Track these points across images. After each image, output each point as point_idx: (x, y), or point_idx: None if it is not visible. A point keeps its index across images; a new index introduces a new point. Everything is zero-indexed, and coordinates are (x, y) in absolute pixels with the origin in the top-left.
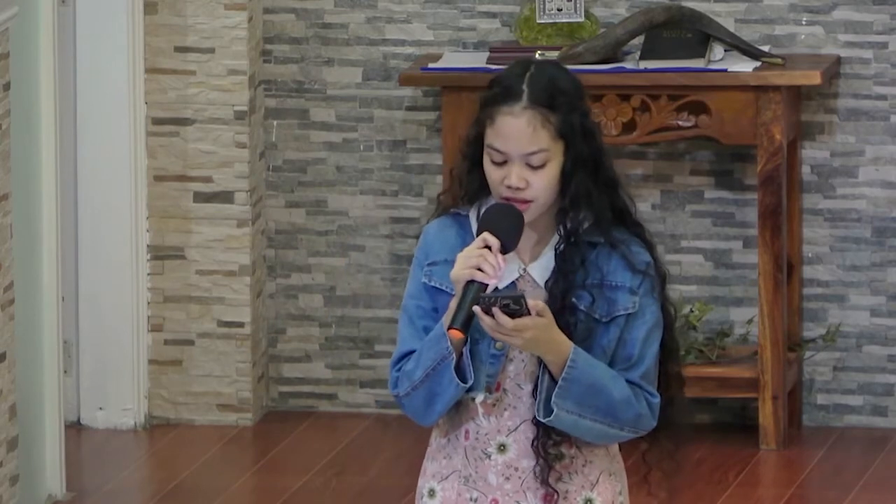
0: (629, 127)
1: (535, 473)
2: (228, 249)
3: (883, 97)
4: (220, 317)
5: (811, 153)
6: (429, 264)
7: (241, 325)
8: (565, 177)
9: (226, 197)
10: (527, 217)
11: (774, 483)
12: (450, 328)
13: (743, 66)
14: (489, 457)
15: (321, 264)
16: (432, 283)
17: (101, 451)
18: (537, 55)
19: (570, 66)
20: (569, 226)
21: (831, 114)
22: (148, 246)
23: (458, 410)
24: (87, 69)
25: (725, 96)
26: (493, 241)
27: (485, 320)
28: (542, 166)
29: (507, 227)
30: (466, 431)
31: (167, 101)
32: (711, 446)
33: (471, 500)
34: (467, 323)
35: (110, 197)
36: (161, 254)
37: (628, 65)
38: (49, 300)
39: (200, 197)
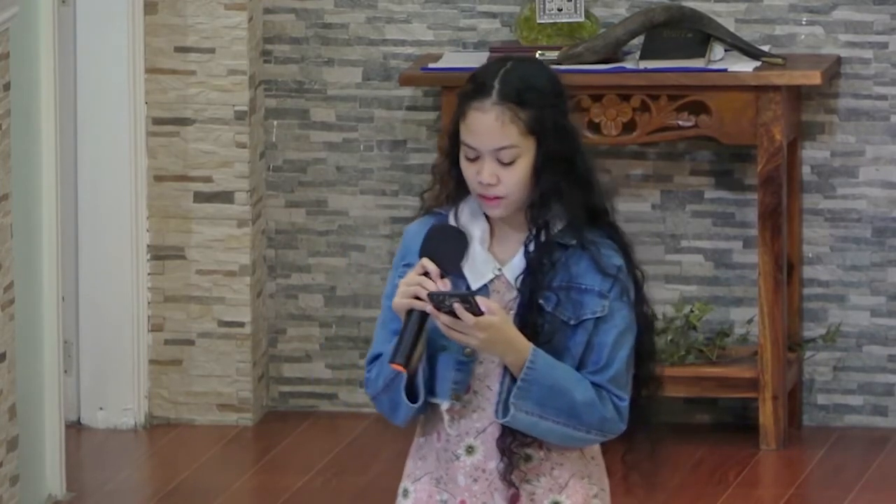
0: (629, 127)
1: (498, 472)
2: (228, 249)
3: (883, 97)
4: (221, 317)
5: (811, 153)
6: (404, 265)
7: (241, 325)
8: (536, 173)
9: (226, 197)
10: (499, 213)
11: (774, 483)
12: (391, 361)
13: (743, 66)
14: (458, 458)
15: (321, 264)
16: None
17: (101, 451)
18: (537, 55)
19: (569, 67)
20: (539, 222)
21: (831, 114)
22: (148, 246)
23: (434, 411)
24: (87, 69)
25: (725, 96)
26: (432, 268)
27: (441, 318)
28: (512, 162)
29: (446, 250)
30: (438, 433)
31: (167, 101)
32: (711, 446)
33: (441, 501)
34: (409, 356)
35: (110, 197)
36: (161, 254)
37: (628, 65)
38: (49, 300)
39: (200, 197)
